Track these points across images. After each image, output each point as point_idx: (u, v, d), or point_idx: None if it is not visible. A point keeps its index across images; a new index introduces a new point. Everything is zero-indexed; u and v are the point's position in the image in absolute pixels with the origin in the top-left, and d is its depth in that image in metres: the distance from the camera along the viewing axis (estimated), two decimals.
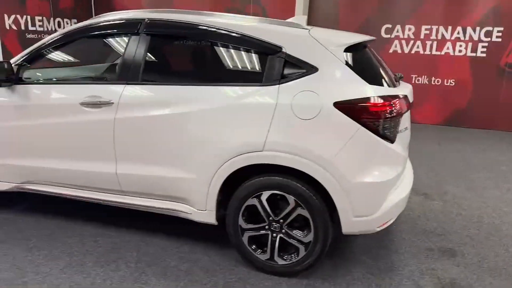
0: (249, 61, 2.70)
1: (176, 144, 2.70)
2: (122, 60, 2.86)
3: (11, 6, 7.58)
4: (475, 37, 7.63)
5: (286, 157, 2.47)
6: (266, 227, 2.65)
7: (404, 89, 2.73)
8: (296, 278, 2.69)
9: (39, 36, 8.27)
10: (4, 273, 2.65)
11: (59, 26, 8.76)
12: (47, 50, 3.10)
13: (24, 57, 3.10)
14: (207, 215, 2.77)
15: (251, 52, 2.66)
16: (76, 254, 2.89)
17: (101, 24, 2.99)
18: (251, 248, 2.72)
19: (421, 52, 7.89)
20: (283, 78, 2.54)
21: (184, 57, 2.98)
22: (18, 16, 7.76)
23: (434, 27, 7.81)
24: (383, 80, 2.62)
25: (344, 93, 2.42)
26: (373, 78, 2.55)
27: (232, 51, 2.73)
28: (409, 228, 3.48)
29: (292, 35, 2.60)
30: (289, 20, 2.99)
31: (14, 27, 7.69)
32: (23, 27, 7.89)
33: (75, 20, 9.20)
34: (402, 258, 3.00)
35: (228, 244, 2.92)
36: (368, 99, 2.38)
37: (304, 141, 2.44)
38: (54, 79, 3.37)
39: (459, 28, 7.68)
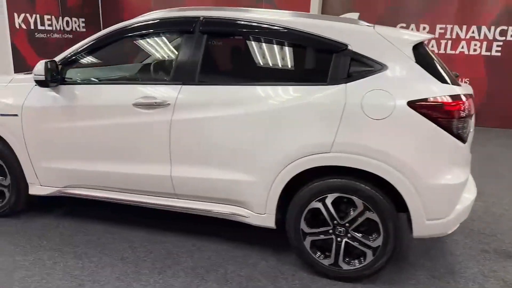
0: (312, 59, 2.62)
1: (236, 146, 2.61)
2: (177, 60, 2.76)
3: (20, 4, 7.41)
4: (490, 36, 7.63)
5: (356, 159, 2.39)
6: (330, 231, 2.57)
7: (468, 88, 2.67)
8: (361, 283, 2.61)
9: (48, 35, 8.10)
10: (59, 281, 2.54)
11: (68, 25, 8.59)
12: (93, 49, 2.98)
13: (68, 56, 2.98)
14: (266, 218, 2.68)
15: (315, 50, 2.59)
16: (128, 260, 2.79)
17: (151, 22, 2.88)
18: (314, 253, 2.63)
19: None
20: (350, 77, 2.46)
21: (243, 56, 2.88)
22: (28, 15, 7.58)
23: (449, 26, 7.80)
24: (448, 78, 2.56)
25: (418, 91, 2.35)
26: (440, 77, 2.48)
27: (294, 49, 2.65)
28: (457, 229, 3.41)
29: (358, 32, 2.53)
30: (342, 16, 2.91)
31: (24, 26, 7.52)
32: (32, 26, 7.71)
33: (83, 19, 9.03)
34: (460, 260, 2.94)
35: (283, 248, 2.84)
36: (443, 97, 2.31)
37: (376, 142, 2.36)
38: (102, 79, 3.25)
39: (473, 27, 7.67)
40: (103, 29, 9.71)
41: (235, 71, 2.91)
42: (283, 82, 2.58)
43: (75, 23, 8.82)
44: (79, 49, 2.98)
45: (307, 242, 2.63)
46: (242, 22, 2.69)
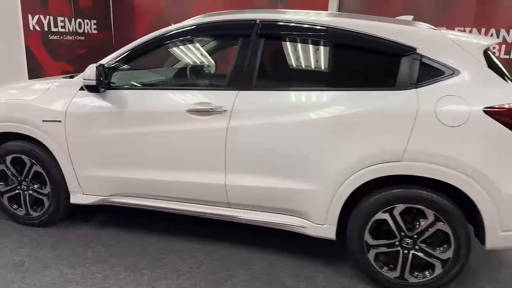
0: (378, 63, 2.53)
1: (297, 154, 2.51)
2: (233, 64, 2.65)
3: (34, 5, 7.26)
4: (509, 39, 7.56)
5: (430, 168, 2.30)
6: (397, 243, 2.47)
7: None
8: None
9: (61, 37, 7.95)
10: None
11: (80, 27, 8.45)
12: (140, 52, 2.87)
13: (114, 60, 2.87)
14: (326, 229, 2.58)
15: (381, 54, 2.49)
16: (182, 273, 2.67)
17: (204, 25, 2.77)
18: (378, 265, 2.53)
19: None
20: (419, 82, 2.36)
21: (303, 60, 2.78)
22: (42, 17, 7.44)
23: (467, 29, 7.72)
24: None
25: (493, 97, 2.26)
26: (510, 81, 2.40)
27: (358, 52, 2.55)
28: None
29: (426, 36, 2.44)
30: (397, 18, 2.82)
31: (37, 28, 7.37)
32: (46, 28, 7.57)
33: (95, 21, 8.90)
34: None
35: (337, 259, 2.75)
36: None
37: (452, 150, 2.27)
38: (152, 84, 3.13)
39: (492, 30, 7.60)
40: (114, 31, 9.60)
41: (295, 76, 2.80)
42: (347, 87, 2.48)
43: (87, 24, 8.68)
44: (126, 52, 2.86)
45: (371, 255, 2.53)
46: (303, 25, 2.59)
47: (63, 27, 7.93)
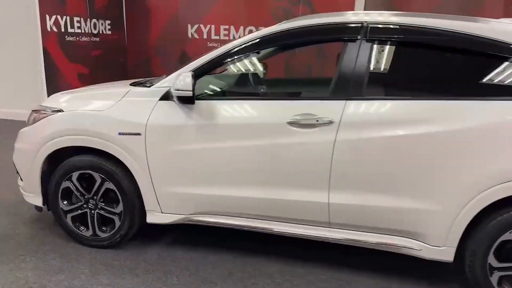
0: (504, 70, 2.32)
1: (416, 171, 2.31)
2: (338, 71, 2.44)
3: (52, 5, 6.92)
4: None
5: None
6: None
7: None
8: None
9: (78, 38, 7.62)
10: None
11: (95, 27, 8.12)
12: (229, 59, 2.63)
13: (200, 67, 2.62)
14: (443, 252, 2.38)
15: (507, 60, 2.28)
16: None
17: (301, 29, 2.54)
18: None
19: None
20: None
21: (419, 66, 2.57)
22: (59, 17, 7.10)
23: None
24: None
25: None
26: None
27: (479, 58, 2.35)
28: None
29: None
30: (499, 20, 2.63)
31: (54, 29, 7.03)
32: (63, 29, 7.23)
33: (109, 22, 8.57)
34: None
35: (444, 283, 2.56)
36: None
37: None
38: (245, 94, 2.89)
39: None
40: (127, 32, 9.28)
41: (412, 84, 2.57)
42: (471, 96, 2.27)
43: (102, 25, 8.36)
44: (213, 59, 2.62)
45: (494, 278, 2.34)
46: (418, 29, 2.38)
47: (79, 27, 7.61)
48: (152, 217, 2.81)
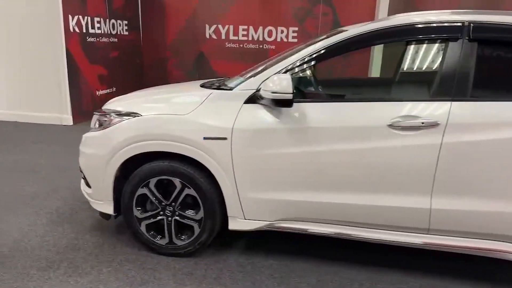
0: None
1: None
2: (441, 72, 2.36)
3: (74, 5, 6.77)
4: None
5: None
6: None
7: None
8: None
9: (98, 39, 7.47)
10: None
11: (113, 28, 7.97)
12: (319, 59, 2.54)
13: (289, 68, 2.53)
14: None
15: None
16: None
17: (396, 28, 2.46)
18: None
19: None
20: None
21: None
22: (80, 17, 6.95)
23: None
24: None
25: None
26: None
27: None
28: None
29: None
30: None
31: (77, 29, 6.88)
32: (84, 30, 7.08)
33: (126, 22, 8.43)
34: None
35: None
36: None
37: None
38: (339, 95, 2.79)
39: None
40: (142, 32, 9.13)
41: None
42: None
43: (119, 25, 8.22)
44: (302, 59, 2.53)
45: None
46: None
47: (99, 28, 7.48)
48: (235, 224, 2.71)
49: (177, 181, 2.70)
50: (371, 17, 7.92)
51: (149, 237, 2.85)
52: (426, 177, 2.36)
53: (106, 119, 2.84)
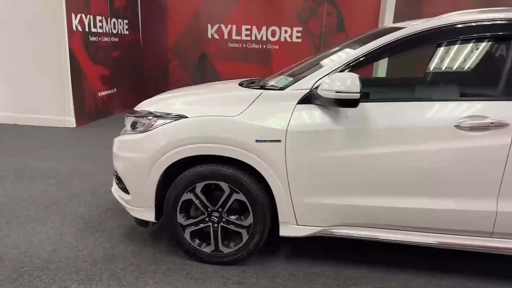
0: None
1: None
2: (508, 69, 2.29)
3: (77, 3, 6.54)
4: None
5: None
6: None
7: None
8: None
9: (100, 38, 7.25)
10: None
11: (114, 27, 7.75)
12: (377, 57, 2.44)
13: (348, 65, 2.42)
14: None
15: None
16: None
17: (462, 24, 2.37)
18: None
19: None
20: None
21: None
22: (83, 16, 6.72)
23: None
24: None
25: None
26: None
27: None
28: None
29: None
30: None
31: (79, 28, 6.65)
32: (87, 28, 6.86)
33: (127, 21, 8.22)
34: None
35: None
36: None
37: None
38: (400, 95, 2.68)
39: None
40: (142, 32, 8.92)
41: None
42: None
43: (120, 24, 8.00)
44: (357, 58, 2.42)
45: None
46: None
47: (101, 27, 7.28)
48: (286, 230, 2.59)
49: (225, 186, 2.57)
50: (376, 17, 7.90)
51: (194, 244, 2.72)
52: (493, 179, 2.29)
53: (145, 121, 2.68)
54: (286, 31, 8.39)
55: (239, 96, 2.64)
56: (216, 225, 2.66)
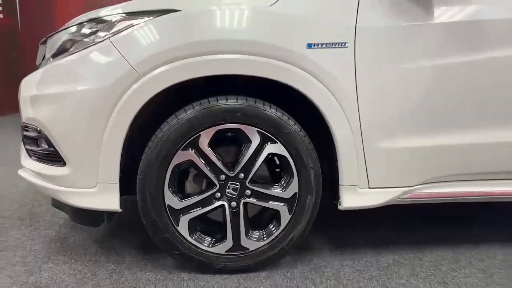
0: None
1: None
2: None
3: None
4: None
5: None
6: None
7: None
8: None
9: None
10: None
11: None
12: None
13: None
14: None
15: None
16: None
17: None
18: None
19: None
20: None
21: None
22: None
23: None
24: None
25: None
26: None
27: None
28: None
29: None
30: None
31: None
32: None
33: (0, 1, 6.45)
34: None
35: None
36: None
37: None
38: None
39: None
40: (20, 16, 7.09)
41: None
42: None
43: None
44: None
45: None
46: None
47: None
48: (352, 199, 1.59)
49: (253, 132, 1.48)
50: None
51: (195, 243, 1.55)
52: None
53: (97, 27, 1.49)
54: None
55: None
56: (234, 203, 1.54)
